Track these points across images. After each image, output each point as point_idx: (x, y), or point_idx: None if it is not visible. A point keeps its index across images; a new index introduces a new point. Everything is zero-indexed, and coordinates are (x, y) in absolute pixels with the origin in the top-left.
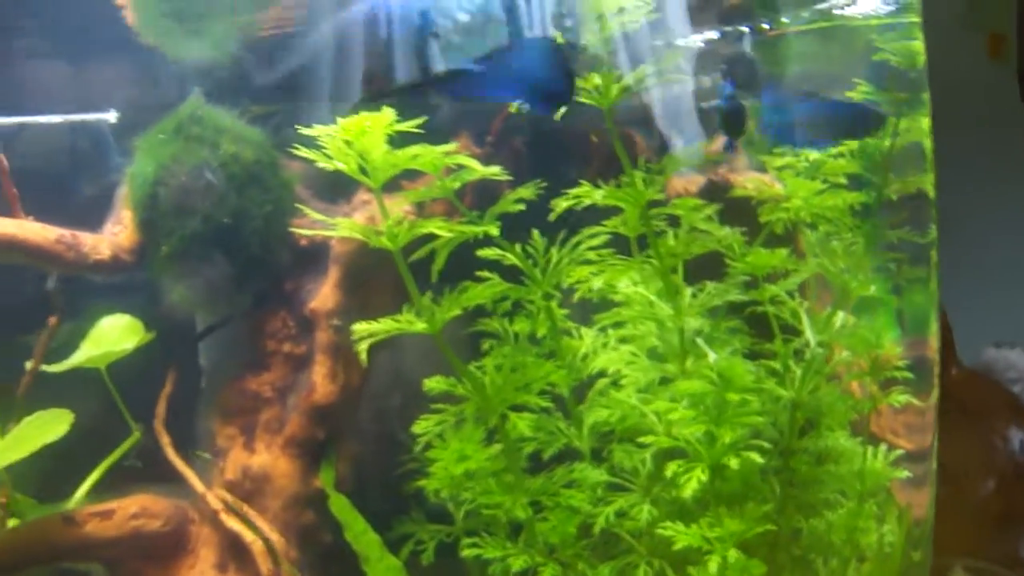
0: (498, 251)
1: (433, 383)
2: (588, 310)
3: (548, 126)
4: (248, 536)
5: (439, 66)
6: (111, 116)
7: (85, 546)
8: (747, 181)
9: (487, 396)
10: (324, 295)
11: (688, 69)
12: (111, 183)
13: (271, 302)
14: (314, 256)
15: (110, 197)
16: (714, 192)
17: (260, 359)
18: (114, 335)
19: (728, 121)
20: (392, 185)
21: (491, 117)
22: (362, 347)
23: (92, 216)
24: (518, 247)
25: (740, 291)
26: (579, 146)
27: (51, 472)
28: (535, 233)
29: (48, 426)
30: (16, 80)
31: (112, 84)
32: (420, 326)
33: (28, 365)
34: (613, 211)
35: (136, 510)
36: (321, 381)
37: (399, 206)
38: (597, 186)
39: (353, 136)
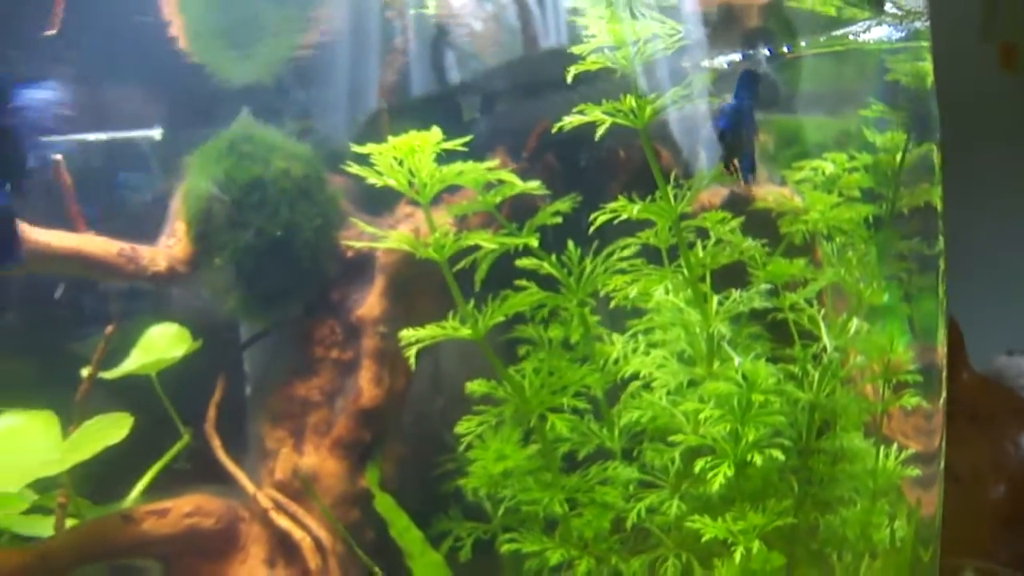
0: (535, 261)
1: (475, 386)
2: (617, 317)
3: (581, 143)
4: (297, 533)
5: (454, 76)
6: (156, 134)
7: (142, 543)
8: (767, 194)
9: (526, 398)
10: (370, 303)
11: (712, 89)
12: (158, 198)
13: (319, 310)
14: (360, 266)
15: (158, 211)
16: (736, 204)
17: (309, 365)
18: (163, 343)
19: (725, 141)
20: (434, 198)
21: (526, 133)
22: (410, 352)
23: (142, 229)
24: (553, 257)
25: (763, 299)
26: (609, 162)
27: (102, 475)
28: (570, 244)
29: (109, 429)
30: (69, 100)
31: (161, 104)
32: (465, 332)
33: (85, 372)
34: (638, 223)
35: (190, 509)
36: (367, 385)
37: (442, 219)
38: (631, 200)
39: (403, 153)
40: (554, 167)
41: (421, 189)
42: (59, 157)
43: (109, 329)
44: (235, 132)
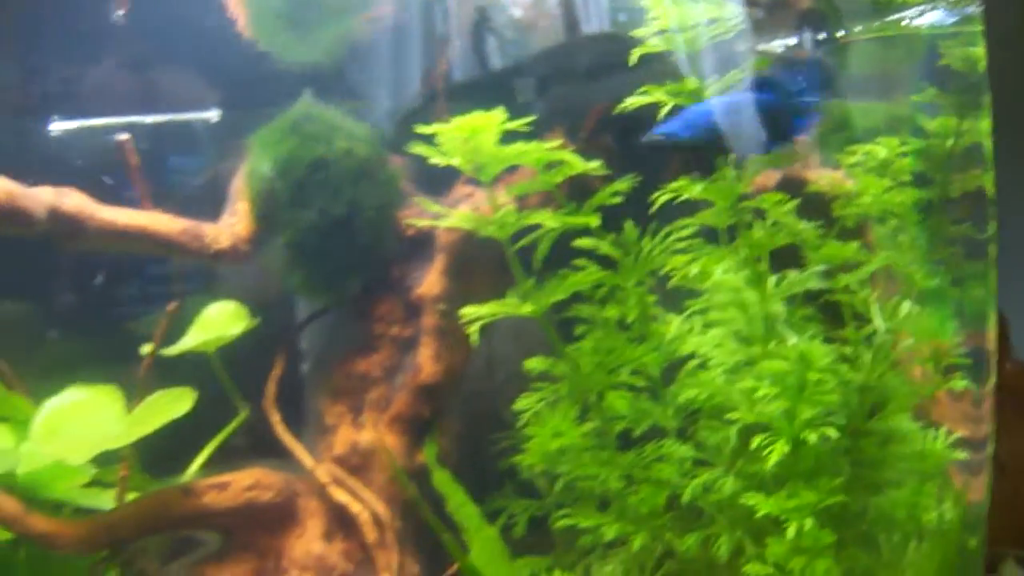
0: (593, 241)
1: (534, 363)
2: (672, 298)
3: (637, 125)
4: (355, 507)
5: (495, 62)
6: (214, 116)
7: (202, 516)
8: (820, 178)
9: (584, 376)
10: (430, 281)
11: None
12: (219, 179)
13: (380, 288)
14: (420, 246)
15: (216, 190)
16: (789, 188)
17: (369, 342)
18: (221, 320)
19: (769, 120)
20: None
21: (582, 115)
22: (473, 329)
23: (201, 208)
24: (611, 238)
25: (819, 280)
26: (665, 144)
27: (161, 451)
28: (628, 224)
29: (173, 403)
30: (135, 83)
31: (221, 86)
32: (527, 309)
33: (146, 348)
34: (691, 207)
35: (250, 482)
36: (427, 362)
37: (501, 199)
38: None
39: (467, 133)
40: (611, 148)
41: (483, 168)
42: (126, 136)
43: (171, 306)
44: (297, 112)
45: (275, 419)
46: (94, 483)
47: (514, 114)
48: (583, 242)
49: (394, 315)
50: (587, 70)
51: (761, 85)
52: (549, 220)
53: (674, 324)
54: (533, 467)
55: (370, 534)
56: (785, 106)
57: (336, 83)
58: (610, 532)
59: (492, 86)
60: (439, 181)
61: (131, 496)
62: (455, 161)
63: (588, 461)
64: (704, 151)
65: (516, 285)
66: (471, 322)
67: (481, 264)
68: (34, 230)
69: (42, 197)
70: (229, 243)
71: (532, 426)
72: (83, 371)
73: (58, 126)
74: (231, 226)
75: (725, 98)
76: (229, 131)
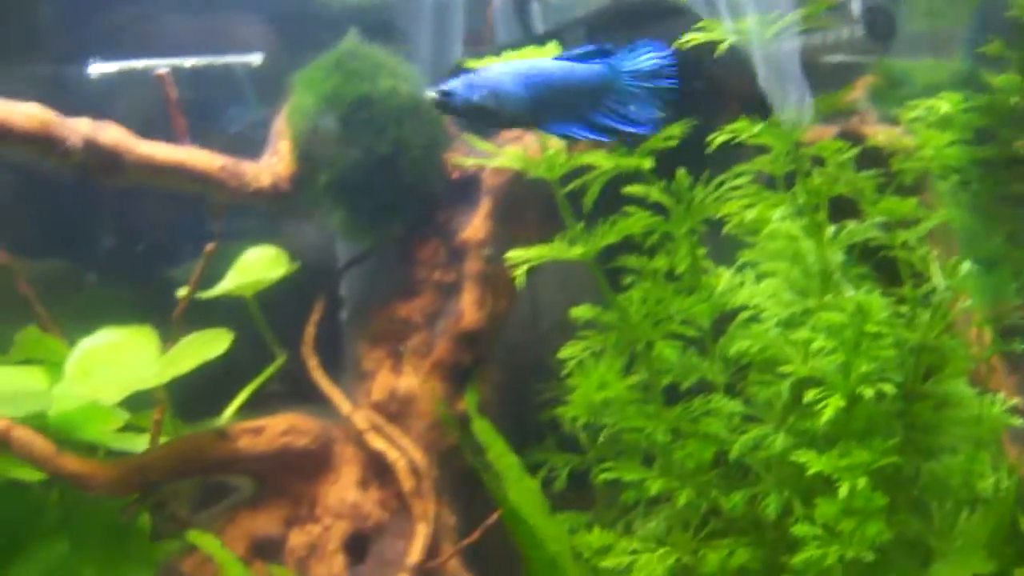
0: (644, 187)
1: (580, 311)
2: (723, 250)
3: (688, 70)
4: (392, 455)
5: (539, 26)
6: (256, 58)
7: (236, 460)
8: (878, 132)
9: (633, 325)
10: (475, 225)
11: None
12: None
13: (423, 231)
14: (465, 188)
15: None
16: (847, 140)
17: (411, 286)
18: (260, 264)
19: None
20: None
21: None
22: (519, 273)
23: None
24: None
25: (877, 232)
26: (718, 90)
27: (196, 396)
28: (680, 171)
29: (209, 344)
30: (180, 23)
31: (264, 25)
32: (576, 252)
33: (182, 291)
34: (733, 155)
35: (285, 427)
36: (470, 308)
37: (549, 143)
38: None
39: None
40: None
41: None
42: (165, 71)
43: (209, 248)
44: (342, 50)
45: (312, 364)
46: (128, 427)
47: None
48: (633, 188)
49: (437, 259)
50: (632, 15)
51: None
52: (602, 161)
53: (724, 276)
54: (576, 420)
55: (407, 482)
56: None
57: (381, 26)
58: (655, 487)
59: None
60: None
61: (163, 439)
62: None
63: (634, 414)
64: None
65: (565, 229)
66: (516, 267)
67: (527, 209)
68: (70, 161)
69: (79, 128)
70: (269, 182)
71: (576, 377)
72: (120, 315)
73: (102, 67)
74: (272, 165)
75: (543, 64)
76: (275, 73)
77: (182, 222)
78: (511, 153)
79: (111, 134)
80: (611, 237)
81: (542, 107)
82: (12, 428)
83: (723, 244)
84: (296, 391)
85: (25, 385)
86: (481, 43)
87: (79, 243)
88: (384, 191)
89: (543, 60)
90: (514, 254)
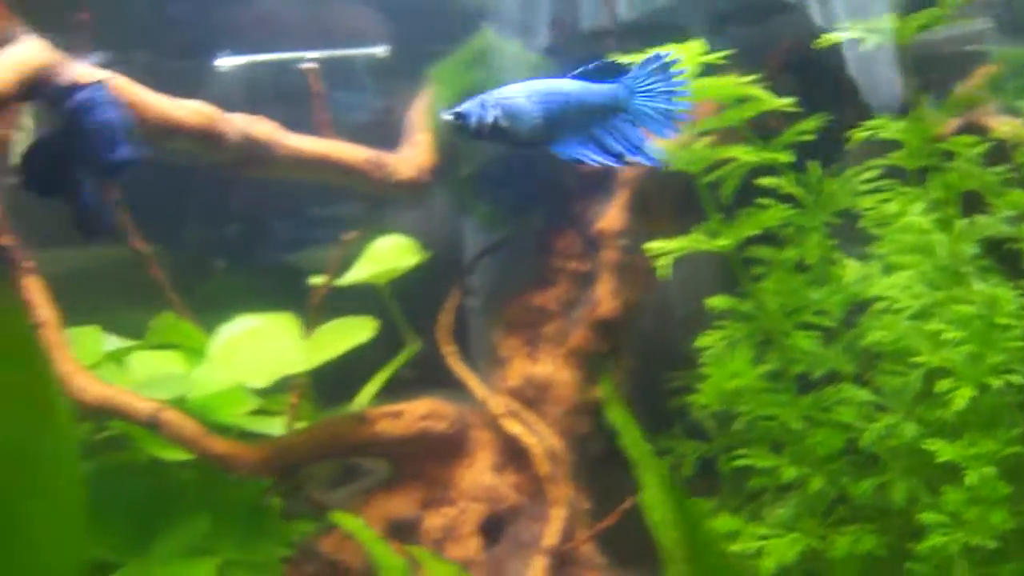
0: (777, 179)
1: (716, 302)
2: (849, 242)
3: (816, 66)
4: (529, 440)
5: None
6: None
7: (375, 443)
8: (1002, 124)
9: (769, 315)
10: (612, 216)
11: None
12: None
13: (560, 222)
14: (600, 180)
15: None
16: (971, 134)
17: (547, 275)
18: (392, 253)
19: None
20: None
21: (765, 53)
22: (664, 263)
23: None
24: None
25: (1008, 226)
26: (847, 87)
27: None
28: (812, 164)
29: (355, 331)
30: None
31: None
32: (719, 244)
33: (316, 279)
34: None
35: (424, 412)
36: (606, 297)
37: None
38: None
39: None
40: (793, 88)
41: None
42: (313, 65)
43: (348, 236)
44: (480, 45)
45: (448, 351)
46: (259, 411)
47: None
48: (767, 180)
49: (572, 249)
50: (759, 9)
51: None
52: (746, 155)
53: (852, 267)
54: (705, 408)
55: (544, 467)
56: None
57: (500, 18)
58: (788, 474)
59: (663, 24)
60: None
61: (298, 425)
62: None
63: (768, 402)
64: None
65: (693, 221)
66: (652, 257)
67: (659, 200)
68: (228, 154)
69: (236, 122)
70: (411, 173)
71: (710, 366)
72: (246, 302)
73: (229, 61)
74: (412, 157)
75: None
76: (397, 65)
77: (301, 209)
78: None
79: (264, 128)
80: (751, 229)
81: (557, 128)
82: (162, 410)
83: (852, 234)
84: (423, 377)
85: (165, 369)
86: (564, 30)
87: (207, 231)
88: (526, 183)
89: (558, 80)
90: (655, 245)
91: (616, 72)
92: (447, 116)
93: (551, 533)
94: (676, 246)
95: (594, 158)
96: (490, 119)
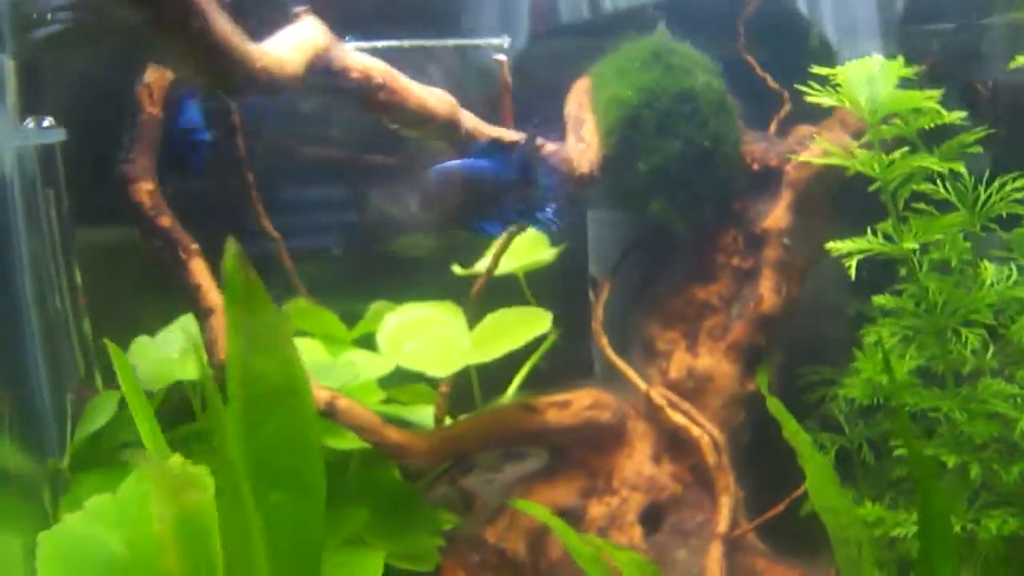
0: (931, 186)
1: (882, 300)
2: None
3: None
4: (695, 431)
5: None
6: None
7: (542, 432)
8: None
9: (936, 314)
10: (776, 215)
11: None
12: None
13: (724, 219)
14: (763, 180)
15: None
16: None
17: (709, 271)
18: (528, 246)
19: None
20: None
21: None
22: (851, 263)
23: None
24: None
25: None
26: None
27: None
28: (964, 172)
29: (531, 322)
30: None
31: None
32: (909, 245)
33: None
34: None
35: (590, 402)
36: (768, 293)
37: (836, 139)
38: None
39: (861, 77)
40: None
41: (873, 111)
42: (503, 58)
43: (512, 228)
44: (657, 44)
45: (604, 343)
46: (389, 400)
47: None
48: (923, 187)
49: (735, 246)
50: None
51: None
52: (933, 164)
53: (989, 269)
54: (845, 401)
55: (710, 456)
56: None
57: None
58: (951, 461)
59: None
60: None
61: (448, 420)
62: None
63: (926, 395)
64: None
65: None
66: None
67: (818, 202)
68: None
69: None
70: (588, 168)
71: (861, 360)
72: (360, 288)
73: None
74: (583, 151)
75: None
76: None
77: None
78: (854, 151)
79: (471, 119)
80: (934, 232)
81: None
82: (336, 398)
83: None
84: (558, 369)
85: (310, 356)
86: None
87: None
88: (703, 181)
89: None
90: (835, 245)
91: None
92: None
93: (722, 520)
94: (859, 247)
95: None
96: None
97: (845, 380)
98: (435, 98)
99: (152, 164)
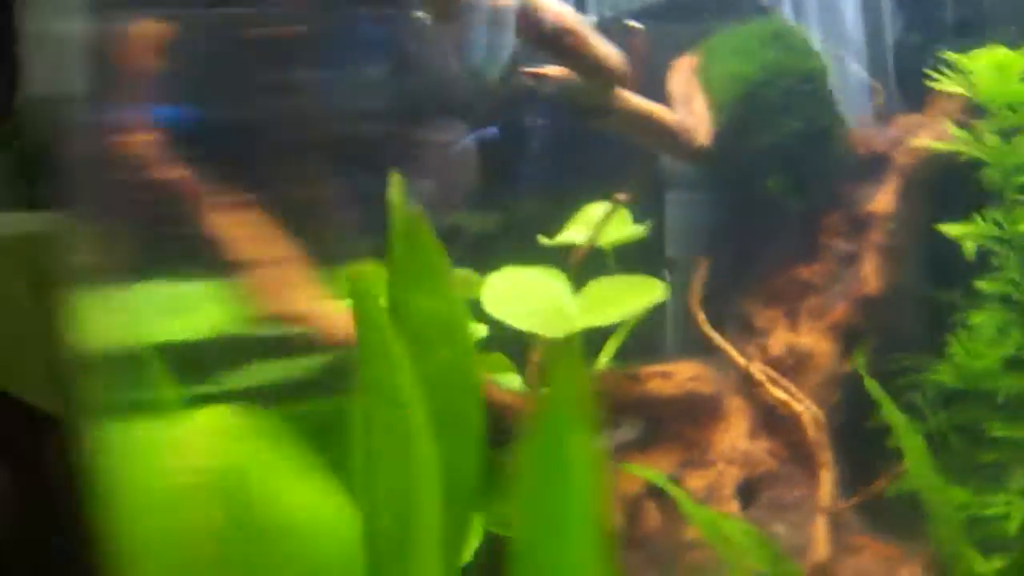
0: None
1: (984, 284)
2: None
3: None
4: (796, 406)
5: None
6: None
7: (644, 401)
8: None
9: None
10: (882, 200)
11: None
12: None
13: (830, 201)
14: (869, 164)
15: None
16: None
17: (812, 251)
18: (612, 221)
19: None
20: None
21: None
22: (969, 246)
23: None
24: None
25: None
26: None
27: None
28: None
29: (646, 290)
30: None
31: None
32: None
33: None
34: None
35: (692, 374)
36: (871, 275)
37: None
38: None
39: (995, 66)
40: None
41: (997, 100)
42: (639, 26)
43: (622, 196)
44: (776, 25)
45: (701, 318)
46: None
47: None
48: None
49: (839, 228)
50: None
51: None
52: None
53: None
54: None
55: (812, 431)
56: None
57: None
58: None
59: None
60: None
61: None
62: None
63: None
64: None
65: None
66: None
67: (921, 187)
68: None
69: None
70: (703, 140)
71: (954, 346)
72: None
73: None
74: (698, 124)
75: None
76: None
77: None
78: (981, 139)
79: None
80: None
81: None
82: None
83: None
84: (627, 347)
85: None
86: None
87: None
88: (818, 161)
89: None
90: (950, 228)
91: None
92: None
93: (824, 495)
94: (977, 231)
95: None
96: None
97: (935, 366)
98: (612, 53)
99: None
